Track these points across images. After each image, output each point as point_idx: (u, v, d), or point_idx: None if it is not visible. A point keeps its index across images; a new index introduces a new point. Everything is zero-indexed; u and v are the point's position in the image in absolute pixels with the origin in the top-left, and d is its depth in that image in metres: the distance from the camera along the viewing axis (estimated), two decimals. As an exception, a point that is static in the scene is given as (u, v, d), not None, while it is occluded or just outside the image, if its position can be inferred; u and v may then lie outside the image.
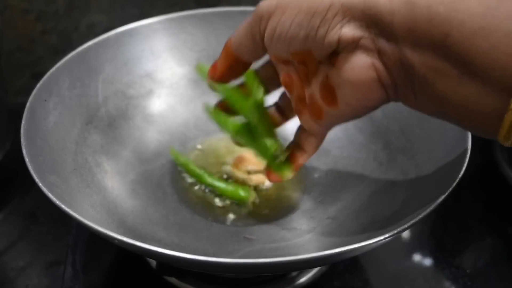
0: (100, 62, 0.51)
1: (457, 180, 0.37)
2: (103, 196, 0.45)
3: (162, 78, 0.56)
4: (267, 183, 0.51)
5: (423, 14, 0.28)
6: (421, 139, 0.47)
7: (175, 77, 0.56)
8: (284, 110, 0.44)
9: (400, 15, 0.29)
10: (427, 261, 0.50)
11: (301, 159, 0.41)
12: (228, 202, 0.49)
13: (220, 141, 0.55)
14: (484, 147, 0.59)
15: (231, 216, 0.47)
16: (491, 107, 0.28)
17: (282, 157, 0.42)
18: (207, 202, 0.49)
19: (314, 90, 0.36)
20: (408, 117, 0.49)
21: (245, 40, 0.37)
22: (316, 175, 0.52)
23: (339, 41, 0.31)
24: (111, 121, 0.51)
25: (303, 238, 0.45)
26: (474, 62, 0.27)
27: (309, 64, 0.35)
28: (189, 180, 0.51)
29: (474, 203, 0.57)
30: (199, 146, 0.54)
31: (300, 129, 0.42)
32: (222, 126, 0.44)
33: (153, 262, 0.46)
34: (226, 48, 0.39)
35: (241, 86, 0.43)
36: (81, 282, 0.46)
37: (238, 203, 0.48)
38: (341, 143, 0.53)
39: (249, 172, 0.52)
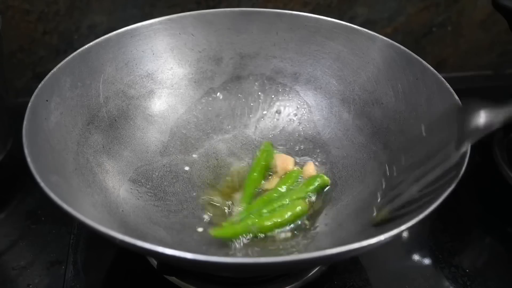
0: (101, 63, 0.51)
1: (457, 180, 0.37)
2: (104, 196, 0.45)
3: (163, 79, 0.56)
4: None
5: None
6: (421, 139, 0.47)
7: (175, 78, 0.57)
8: None
9: None
10: (427, 261, 0.50)
11: None
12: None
13: (220, 142, 0.55)
14: (483, 148, 0.59)
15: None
16: None
17: None
18: (208, 202, 0.49)
19: None
20: (408, 118, 0.49)
21: None
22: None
23: None
24: (112, 121, 0.51)
25: (303, 238, 0.45)
26: None
27: None
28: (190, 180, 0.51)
29: (474, 203, 0.57)
30: (195, 156, 0.54)
31: None
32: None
33: (154, 262, 0.47)
34: None
35: None
36: (82, 282, 0.47)
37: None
38: (341, 143, 0.54)
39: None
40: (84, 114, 0.49)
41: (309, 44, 0.56)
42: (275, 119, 0.57)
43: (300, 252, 0.43)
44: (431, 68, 0.48)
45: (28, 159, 0.38)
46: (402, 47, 0.51)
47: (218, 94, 0.58)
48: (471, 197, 0.57)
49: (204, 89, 0.58)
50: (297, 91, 0.58)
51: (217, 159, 0.54)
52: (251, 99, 0.58)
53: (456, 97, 0.45)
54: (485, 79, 0.81)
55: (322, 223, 0.46)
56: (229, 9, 0.57)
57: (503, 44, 0.80)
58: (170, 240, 0.44)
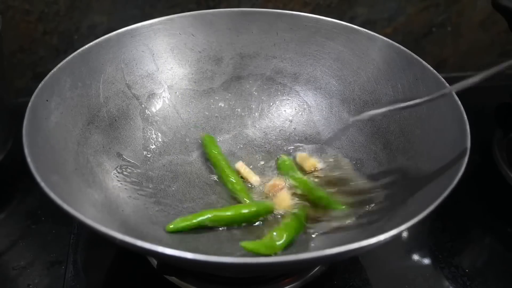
0: (101, 63, 0.51)
1: (457, 180, 0.37)
2: (105, 196, 0.45)
3: (163, 78, 0.56)
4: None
5: None
6: (421, 139, 0.47)
7: (175, 78, 0.57)
8: None
9: None
10: (427, 261, 0.50)
11: None
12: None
13: (220, 142, 0.55)
14: (483, 148, 0.59)
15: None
16: None
17: None
18: (208, 202, 0.49)
19: None
20: (408, 118, 0.49)
21: None
22: (316, 175, 0.52)
23: None
24: (112, 121, 0.51)
25: (303, 238, 0.45)
26: None
27: None
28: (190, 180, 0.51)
29: (473, 203, 0.57)
30: (195, 156, 0.54)
31: None
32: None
33: (154, 262, 0.47)
34: None
35: None
36: (82, 282, 0.47)
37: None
38: (341, 143, 0.54)
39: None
40: (84, 114, 0.49)
41: (309, 44, 0.56)
42: (275, 119, 0.57)
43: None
44: (431, 68, 0.48)
45: (28, 159, 0.38)
46: (402, 47, 0.51)
47: (218, 94, 0.58)
48: (471, 197, 0.57)
49: (204, 89, 0.58)
50: (297, 91, 0.58)
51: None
52: (251, 99, 0.58)
53: (456, 97, 0.45)
54: (485, 79, 0.81)
55: (322, 223, 0.46)
56: (229, 9, 0.57)
57: (503, 44, 0.80)
58: (170, 240, 0.44)
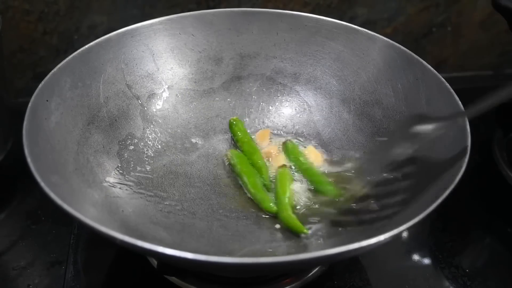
0: (101, 63, 0.51)
1: (457, 180, 0.38)
2: (105, 196, 0.45)
3: (163, 79, 0.56)
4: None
5: None
6: (421, 139, 0.47)
7: (176, 78, 0.57)
8: None
9: None
10: (427, 261, 0.50)
11: None
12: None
13: (220, 142, 0.55)
14: (483, 148, 0.59)
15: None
16: None
17: None
18: (209, 202, 0.49)
19: None
20: (408, 118, 0.49)
21: None
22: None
23: None
24: (112, 121, 0.51)
25: (303, 238, 0.45)
26: None
27: None
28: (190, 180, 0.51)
29: (474, 203, 0.57)
30: (195, 156, 0.54)
31: None
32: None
33: (154, 262, 0.47)
34: None
35: None
36: (82, 282, 0.47)
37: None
38: (341, 143, 0.54)
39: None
40: (84, 114, 0.49)
41: (309, 44, 0.56)
42: (275, 119, 0.57)
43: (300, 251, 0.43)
44: (431, 68, 0.48)
45: (29, 159, 0.38)
46: (402, 47, 0.51)
47: (218, 94, 0.58)
48: (471, 197, 0.57)
49: (204, 89, 0.58)
50: (297, 91, 0.58)
51: (217, 159, 0.54)
52: (251, 99, 0.58)
53: (456, 97, 0.45)
54: (485, 79, 0.81)
55: (322, 223, 0.46)
56: (229, 9, 0.57)
57: (503, 44, 0.80)
58: (170, 240, 0.44)
